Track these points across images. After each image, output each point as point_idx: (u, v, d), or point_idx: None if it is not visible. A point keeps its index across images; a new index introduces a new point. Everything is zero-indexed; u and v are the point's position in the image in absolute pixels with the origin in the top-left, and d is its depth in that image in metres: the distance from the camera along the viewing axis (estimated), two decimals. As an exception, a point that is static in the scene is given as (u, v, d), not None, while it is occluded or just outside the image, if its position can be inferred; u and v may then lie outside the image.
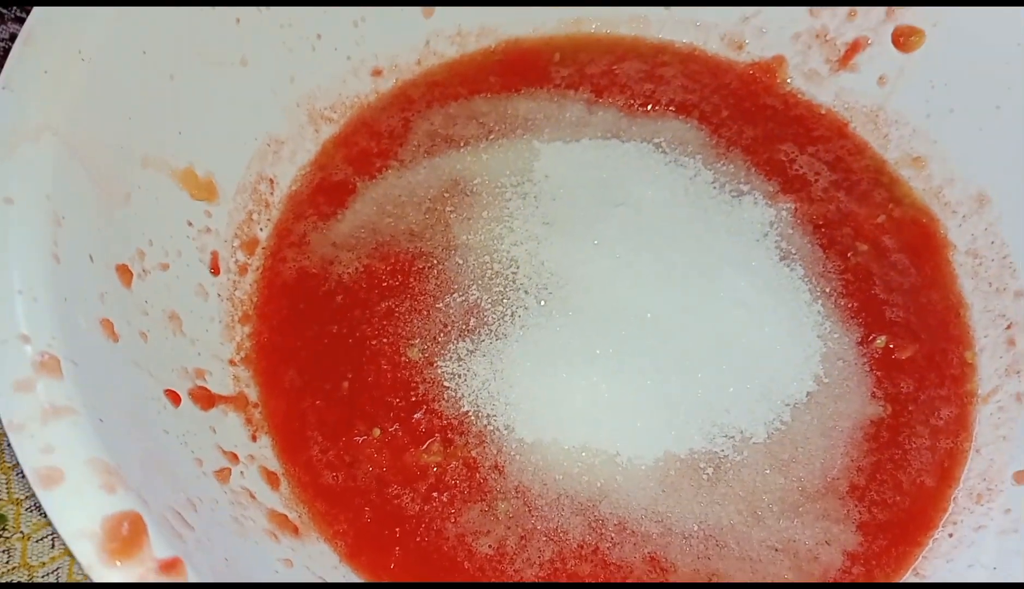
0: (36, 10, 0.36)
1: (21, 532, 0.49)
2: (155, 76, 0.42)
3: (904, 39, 0.51)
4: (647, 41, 0.59)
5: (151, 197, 0.41)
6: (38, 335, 0.29)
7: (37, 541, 0.49)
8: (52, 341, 0.30)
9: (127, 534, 0.25)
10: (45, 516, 0.49)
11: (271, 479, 0.42)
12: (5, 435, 0.50)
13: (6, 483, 0.50)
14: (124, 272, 0.38)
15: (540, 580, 0.41)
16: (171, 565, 0.26)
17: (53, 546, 0.49)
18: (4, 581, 0.48)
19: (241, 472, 0.40)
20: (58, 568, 0.48)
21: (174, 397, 0.38)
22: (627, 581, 0.41)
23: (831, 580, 0.41)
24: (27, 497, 0.50)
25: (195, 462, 0.37)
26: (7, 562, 0.48)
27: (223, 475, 0.38)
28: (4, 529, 0.49)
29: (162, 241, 0.42)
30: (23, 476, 0.50)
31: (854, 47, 0.54)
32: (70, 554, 0.48)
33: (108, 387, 0.32)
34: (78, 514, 0.26)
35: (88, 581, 0.45)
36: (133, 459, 0.30)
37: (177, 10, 0.42)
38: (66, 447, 0.27)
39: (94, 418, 0.29)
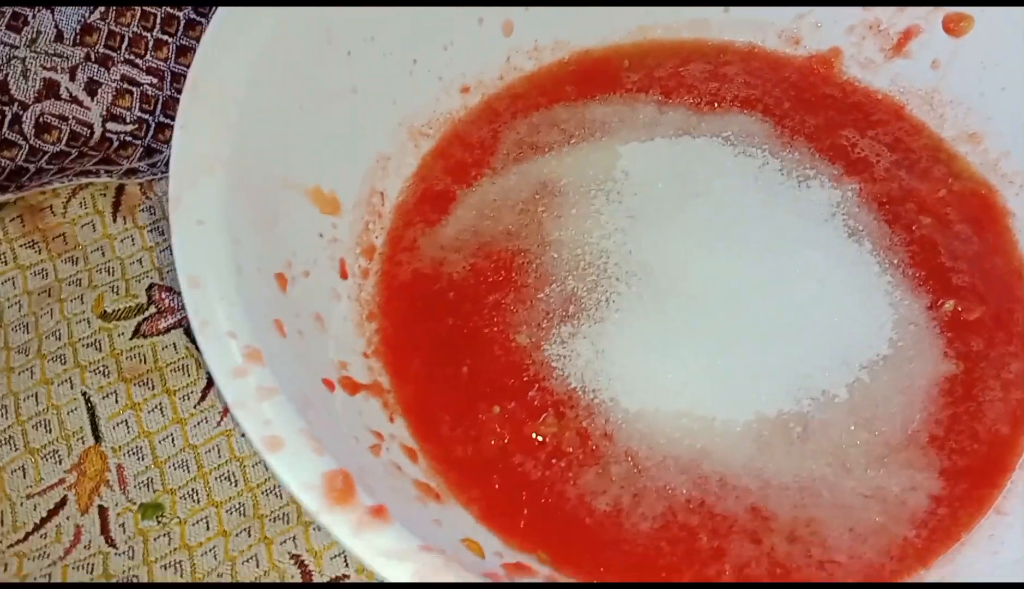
0: (197, 59, 0.43)
1: (178, 517, 0.55)
2: (288, 110, 0.47)
3: (954, 24, 0.55)
4: (709, 43, 0.63)
5: (292, 214, 0.47)
6: (241, 331, 0.35)
7: (193, 525, 0.55)
8: (251, 337, 0.36)
9: (342, 486, 0.31)
10: (198, 502, 0.55)
11: (411, 454, 0.47)
12: (156, 434, 0.57)
13: (160, 476, 0.56)
14: (281, 279, 0.44)
15: (654, 531, 0.45)
16: (379, 511, 0.31)
17: (208, 528, 0.54)
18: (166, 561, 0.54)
19: (387, 448, 0.45)
20: (215, 546, 0.54)
21: (329, 385, 0.44)
22: (732, 530, 0.46)
23: (919, 522, 0.45)
24: (180, 487, 0.56)
25: (353, 439, 0.43)
26: (168, 544, 0.54)
27: (375, 450, 0.44)
28: (163, 515, 0.55)
29: (303, 252, 0.48)
30: (176, 469, 0.56)
31: (906, 35, 0.58)
32: (224, 534, 0.54)
33: (289, 376, 0.38)
34: (301, 471, 0.31)
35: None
36: (320, 432, 0.36)
37: (302, 50, 0.48)
38: (280, 420, 0.33)
39: (292, 398, 0.35)
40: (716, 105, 0.60)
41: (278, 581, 0.52)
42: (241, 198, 0.42)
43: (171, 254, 0.38)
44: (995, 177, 0.55)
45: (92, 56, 0.67)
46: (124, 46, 0.68)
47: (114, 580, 0.53)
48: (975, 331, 0.50)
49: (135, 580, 0.53)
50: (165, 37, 0.68)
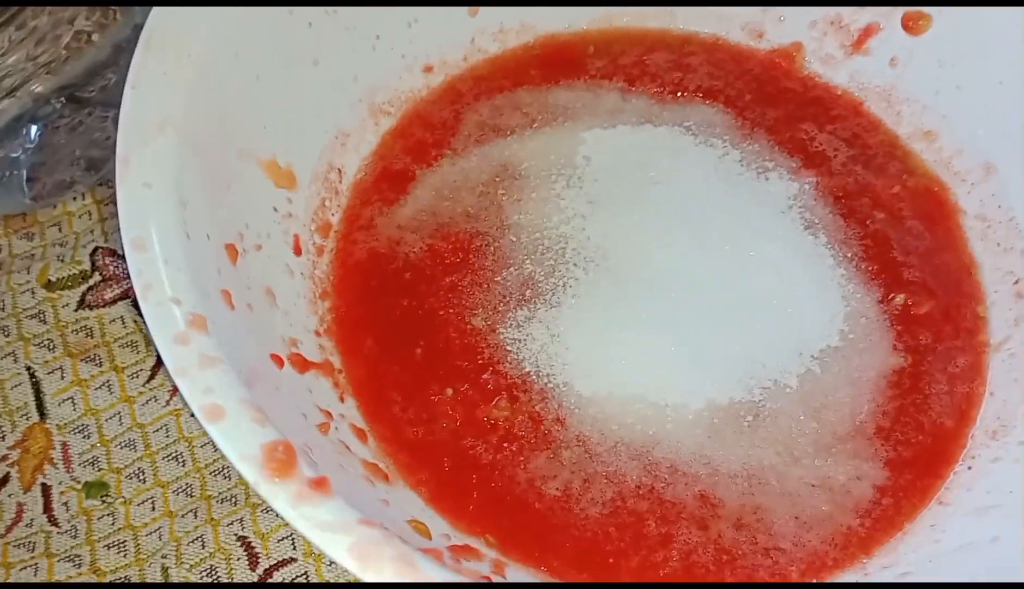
0: (152, 16, 0.41)
1: (123, 497, 0.54)
2: (246, 76, 0.46)
3: (913, 23, 0.56)
4: (674, 33, 0.63)
5: (245, 185, 0.46)
6: (185, 298, 0.34)
7: (138, 505, 0.53)
8: (196, 303, 0.35)
9: (282, 457, 0.30)
10: (144, 482, 0.54)
11: (360, 435, 0.46)
12: (104, 412, 0.55)
13: (106, 454, 0.55)
14: (231, 250, 0.43)
15: (603, 517, 0.45)
16: (320, 482, 0.30)
17: (153, 508, 0.53)
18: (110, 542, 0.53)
19: (336, 427, 0.45)
20: (160, 527, 0.53)
21: (278, 360, 0.43)
22: (680, 516, 0.46)
23: (863, 511, 0.46)
24: (126, 466, 0.54)
25: (302, 416, 0.42)
26: (112, 524, 0.53)
27: (324, 428, 0.43)
28: (107, 495, 0.54)
29: (255, 225, 0.46)
30: (122, 448, 0.55)
31: (867, 32, 0.58)
32: (170, 515, 0.53)
33: (234, 348, 0.37)
34: (241, 441, 0.31)
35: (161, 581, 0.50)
36: (264, 405, 0.35)
37: (262, 15, 0.47)
38: (222, 389, 0.32)
39: (236, 368, 0.34)
40: (679, 95, 0.60)
41: (224, 562, 0.51)
42: (193, 163, 0.40)
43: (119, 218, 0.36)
44: (948, 175, 0.56)
45: None
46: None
47: (56, 559, 0.52)
48: (924, 325, 0.51)
49: (77, 559, 0.52)
50: None
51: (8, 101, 0.53)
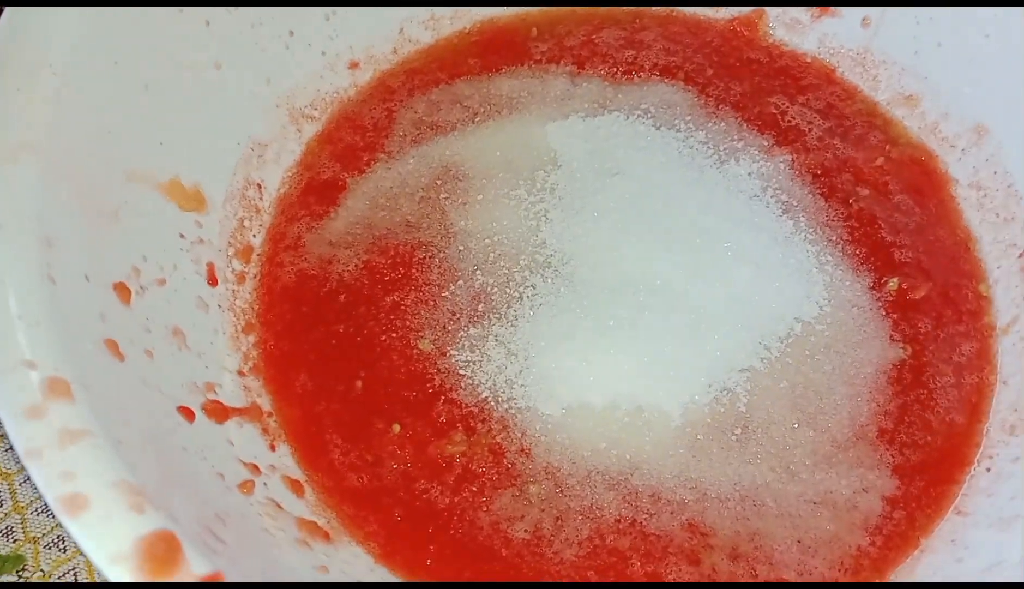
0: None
1: (41, 571, 0.48)
2: (130, 86, 0.40)
3: (884, -24, 0.51)
4: (623, 7, 0.58)
5: (139, 212, 0.40)
6: (44, 360, 0.28)
7: (59, 578, 0.48)
8: (59, 365, 0.28)
9: (163, 553, 0.24)
10: (65, 552, 0.48)
11: (295, 487, 0.41)
12: (16, 475, 0.49)
13: (21, 522, 0.50)
14: (122, 290, 0.37)
15: (580, 559, 0.40)
16: (212, 581, 0.24)
17: (75, 580, 0.48)
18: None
19: (264, 483, 0.39)
20: (82, 603, 0.47)
21: (188, 413, 0.37)
22: (667, 551, 0.40)
23: (873, 527, 0.41)
24: (44, 535, 0.49)
25: (217, 477, 0.36)
26: (29, 602, 0.47)
27: (246, 487, 0.37)
28: (24, 569, 0.48)
29: (156, 256, 0.41)
30: (39, 514, 0.49)
31: (834, -9, 0.53)
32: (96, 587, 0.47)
33: (121, 408, 0.31)
34: (109, 538, 0.25)
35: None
36: (156, 478, 0.29)
37: (144, 14, 0.41)
38: (87, 471, 0.26)
39: (112, 440, 0.28)
40: (633, 75, 0.55)
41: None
42: (62, 193, 0.34)
43: None
44: (935, 141, 0.51)
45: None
46: None
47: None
48: (922, 311, 0.47)
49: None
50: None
51: None
